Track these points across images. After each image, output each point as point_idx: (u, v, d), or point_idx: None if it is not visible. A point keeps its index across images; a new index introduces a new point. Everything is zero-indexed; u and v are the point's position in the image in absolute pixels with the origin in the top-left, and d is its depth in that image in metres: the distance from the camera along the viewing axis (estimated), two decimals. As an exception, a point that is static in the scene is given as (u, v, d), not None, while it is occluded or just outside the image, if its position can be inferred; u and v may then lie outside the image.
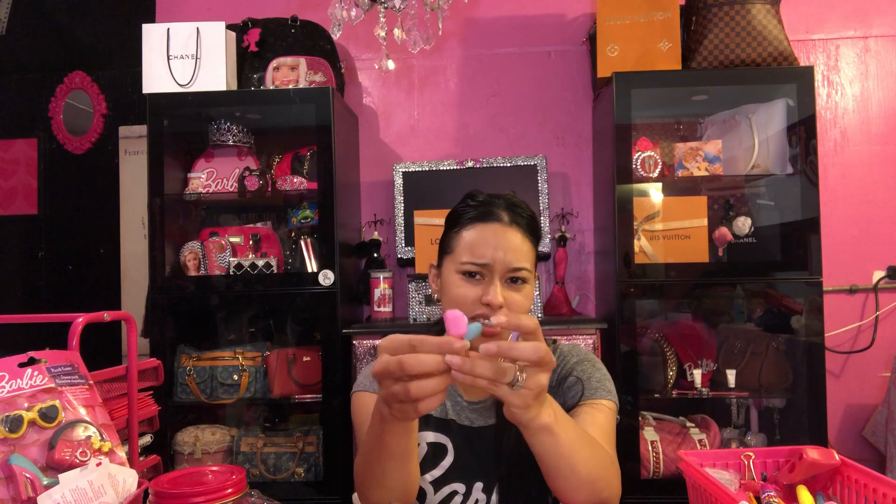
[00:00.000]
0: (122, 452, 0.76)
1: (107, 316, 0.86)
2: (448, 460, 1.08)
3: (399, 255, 2.52)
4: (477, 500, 1.07)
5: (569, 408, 1.04)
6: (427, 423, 1.10)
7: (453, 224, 1.09)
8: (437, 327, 1.21)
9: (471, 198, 1.10)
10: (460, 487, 1.07)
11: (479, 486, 1.06)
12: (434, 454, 1.09)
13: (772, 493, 0.90)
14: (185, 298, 2.30)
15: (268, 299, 2.29)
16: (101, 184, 2.84)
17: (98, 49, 2.88)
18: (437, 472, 1.08)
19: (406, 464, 0.87)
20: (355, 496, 1.09)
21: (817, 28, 2.65)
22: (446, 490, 1.07)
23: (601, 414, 1.02)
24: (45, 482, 0.66)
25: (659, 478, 2.16)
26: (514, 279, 1.03)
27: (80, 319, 0.82)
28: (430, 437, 1.10)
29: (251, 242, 2.43)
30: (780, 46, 2.18)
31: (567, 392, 1.07)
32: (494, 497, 1.06)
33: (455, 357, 0.69)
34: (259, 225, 2.53)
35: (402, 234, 2.52)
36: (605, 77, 2.29)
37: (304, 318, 2.47)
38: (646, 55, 2.25)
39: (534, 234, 1.08)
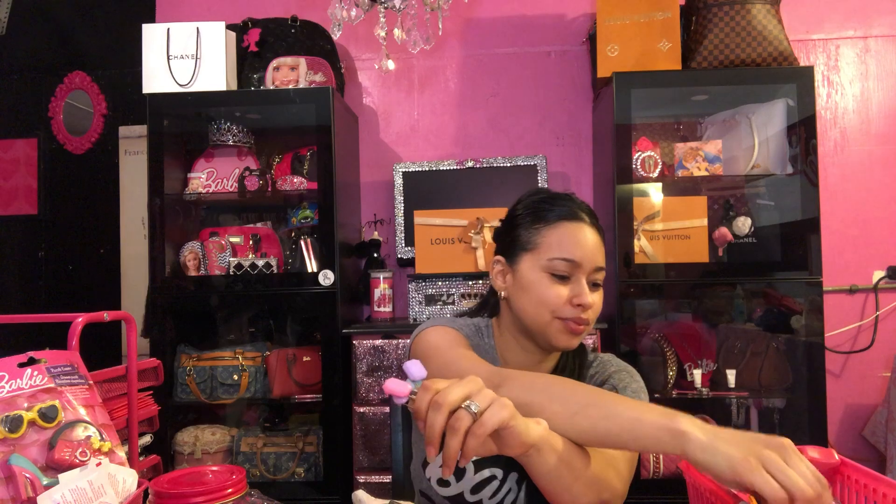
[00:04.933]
0: (121, 452, 0.76)
1: (107, 316, 0.86)
2: None
3: (399, 255, 2.52)
4: (510, 490, 1.07)
5: None
6: None
7: (534, 220, 1.07)
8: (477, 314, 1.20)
9: (544, 195, 1.10)
10: (499, 473, 1.07)
11: (514, 476, 1.06)
12: None
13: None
14: (185, 298, 2.30)
15: (268, 299, 2.29)
16: (101, 184, 2.84)
17: (98, 49, 2.88)
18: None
19: None
20: (355, 496, 1.09)
21: (817, 28, 2.65)
22: (486, 473, 1.07)
23: None
24: (45, 482, 0.66)
25: (659, 478, 2.16)
26: (594, 283, 1.06)
27: (80, 319, 0.82)
28: None
29: (251, 242, 2.43)
30: (780, 46, 2.18)
31: None
32: (523, 491, 1.06)
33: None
34: (259, 225, 2.53)
35: (402, 234, 2.52)
36: (605, 77, 2.29)
37: (304, 318, 2.47)
38: (646, 55, 2.25)
39: (603, 237, 1.10)
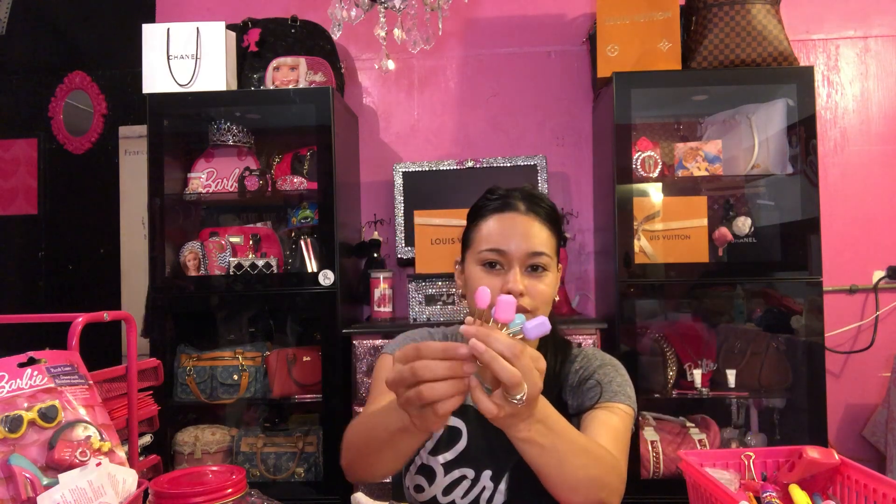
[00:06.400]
0: (121, 452, 0.76)
1: (107, 316, 0.86)
2: (461, 445, 1.09)
3: (399, 255, 2.52)
4: (484, 488, 1.07)
5: (585, 409, 1.05)
6: None
7: (473, 218, 1.11)
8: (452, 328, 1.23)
9: (489, 192, 1.13)
10: (469, 473, 1.08)
11: (487, 473, 1.07)
12: (449, 437, 1.09)
13: (772, 493, 0.91)
14: (185, 298, 2.30)
15: (268, 299, 2.29)
16: (101, 184, 2.84)
17: (98, 49, 2.88)
18: (449, 456, 1.09)
19: (404, 459, 0.89)
20: (354, 497, 1.09)
21: (817, 28, 2.65)
22: (456, 473, 1.08)
23: (616, 417, 1.03)
24: (45, 482, 0.66)
25: (659, 478, 2.16)
26: (534, 267, 1.04)
27: (80, 319, 0.82)
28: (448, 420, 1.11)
29: (251, 242, 2.43)
30: (780, 46, 2.18)
31: (586, 394, 1.07)
32: (502, 486, 1.06)
33: (476, 345, 0.68)
34: (259, 225, 2.53)
35: (402, 234, 2.52)
36: (605, 77, 2.29)
37: (304, 318, 2.47)
38: (646, 55, 2.25)
39: (553, 222, 1.09)
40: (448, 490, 1.07)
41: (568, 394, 1.10)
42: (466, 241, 1.12)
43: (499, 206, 1.08)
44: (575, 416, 1.05)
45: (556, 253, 1.09)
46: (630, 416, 1.05)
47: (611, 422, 1.01)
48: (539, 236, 1.05)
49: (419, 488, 1.09)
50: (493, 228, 1.06)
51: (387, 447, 0.87)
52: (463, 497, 1.07)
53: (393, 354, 1.11)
